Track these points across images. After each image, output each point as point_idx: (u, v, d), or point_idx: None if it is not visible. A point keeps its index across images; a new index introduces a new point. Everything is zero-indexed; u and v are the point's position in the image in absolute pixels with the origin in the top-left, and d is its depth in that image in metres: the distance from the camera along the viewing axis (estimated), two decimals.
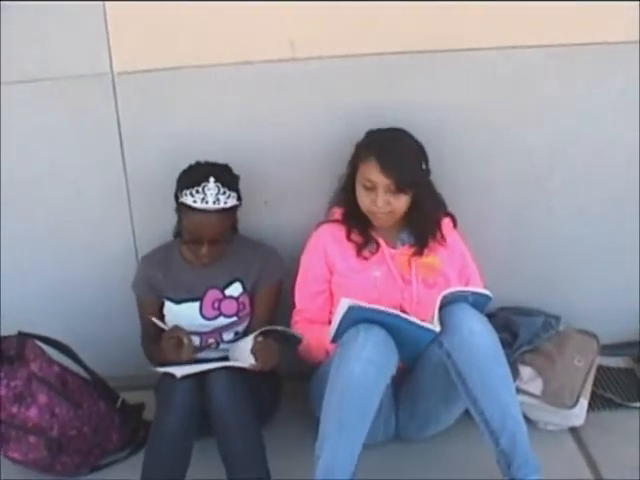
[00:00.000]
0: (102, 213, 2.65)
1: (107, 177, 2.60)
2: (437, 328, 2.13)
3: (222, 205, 2.31)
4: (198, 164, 2.39)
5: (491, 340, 2.13)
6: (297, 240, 2.52)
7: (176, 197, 2.37)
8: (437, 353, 2.16)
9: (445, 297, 2.15)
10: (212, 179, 2.30)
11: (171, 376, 2.19)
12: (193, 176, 2.34)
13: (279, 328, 2.29)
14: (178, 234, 2.49)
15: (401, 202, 2.32)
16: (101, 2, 2.38)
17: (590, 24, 2.44)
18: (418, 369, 2.27)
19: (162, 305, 2.50)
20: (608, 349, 2.71)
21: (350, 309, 2.11)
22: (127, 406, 2.52)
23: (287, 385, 2.61)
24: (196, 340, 2.47)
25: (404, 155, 2.30)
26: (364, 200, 2.34)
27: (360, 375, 2.06)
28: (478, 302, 2.18)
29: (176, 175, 2.40)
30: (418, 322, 2.14)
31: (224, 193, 2.31)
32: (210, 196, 2.30)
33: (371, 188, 2.30)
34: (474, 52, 2.46)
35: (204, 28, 2.42)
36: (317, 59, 2.46)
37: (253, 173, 2.48)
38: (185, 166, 2.40)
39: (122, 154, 2.56)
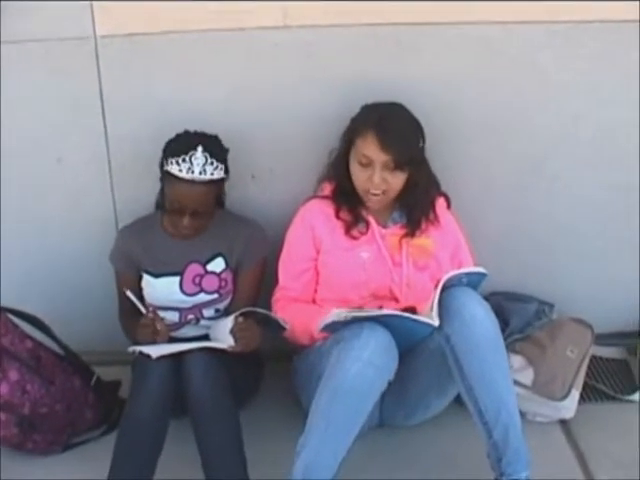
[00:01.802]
0: (83, 182, 2.53)
1: (88, 144, 2.49)
2: (436, 322, 2.02)
3: (208, 176, 2.22)
4: (187, 133, 2.29)
5: (493, 327, 2.05)
6: (284, 217, 2.42)
7: (161, 165, 2.27)
8: (435, 337, 2.07)
9: (443, 285, 2.05)
10: (200, 148, 2.21)
11: (147, 356, 2.10)
12: (180, 144, 2.24)
13: (263, 311, 2.20)
14: (160, 205, 2.39)
15: (398, 180, 2.22)
16: None
17: (593, 1, 2.33)
18: (412, 354, 2.17)
19: (141, 278, 2.40)
20: (602, 338, 2.63)
21: (339, 315, 2.04)
22: (102, 383, 2.44)
23: (269, 364, 2.53)
24: (175, 316, 2.39)
25: (404, 131, 2.20)
26: (359, 177, 2.24)
27: (356, 376, 1.97)
28: (473, 281, 2.10)
29: (160, 145, 2.30)
30: (416, 317, 2.04)
31: (211, 164, 2.22)
32: (197, 166, 2.20)
33: (367, 164, 2.20)
34: (475, 26, 2.35)
35: None
36: (311, 27, 2.35)
37: (240, 145, 2.38)
38: (170, 135, 2.29)
39: (104, 121, 2.45)
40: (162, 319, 2.23)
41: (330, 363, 2.03)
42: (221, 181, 2.29)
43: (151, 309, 2.25)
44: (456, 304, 2.04)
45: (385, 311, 2.06)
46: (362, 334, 2.00)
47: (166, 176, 2.24)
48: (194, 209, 2.24)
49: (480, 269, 2.10)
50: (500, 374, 2.02)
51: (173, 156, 2.21)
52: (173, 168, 2.21)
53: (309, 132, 2.45)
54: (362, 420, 2.00)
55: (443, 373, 2.10)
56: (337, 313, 2.04)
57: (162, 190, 2.32)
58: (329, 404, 1.98)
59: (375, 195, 2.23)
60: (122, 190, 2.56)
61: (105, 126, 2.46)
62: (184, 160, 2.20)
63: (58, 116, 2.45)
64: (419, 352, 2.15)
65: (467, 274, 2.09)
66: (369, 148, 2.19)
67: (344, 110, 2.31)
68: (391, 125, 2.19)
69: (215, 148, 2.26)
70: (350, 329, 2.03)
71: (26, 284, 2.62)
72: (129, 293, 2.27)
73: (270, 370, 2.53)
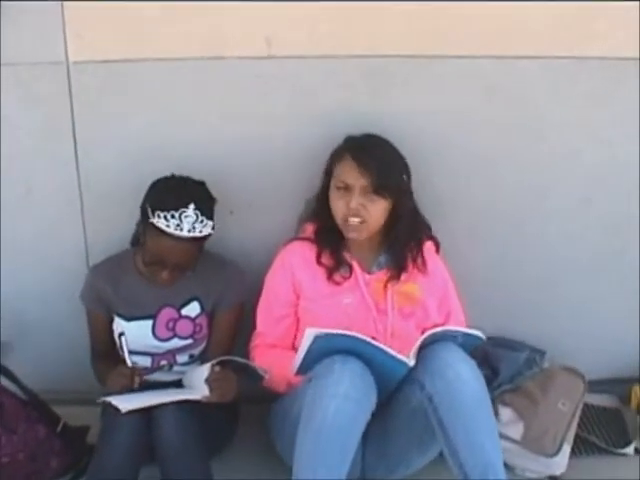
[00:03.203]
0: (52, 215, 2.40)
1: (58, 176, 2.36)
2: (411, 362, 1.95)
3: (197, 234, 2.09)
4: (174, 182, 2.15)
5: (478, 387, 1.93)
6: (264, 255, 2.30)
7: (143, 211, 2.13)
8: (417, 396, 1.96)
9: (434, 335, 1.96)
10: (192, 206, 2.07)
11: (116, 408, 1.97)
12: (170, 198, 2.09)
13: (241, 360, 2.09)
14: (136, 242, 2.25)
15: (377, 208, 2.11)
16: None
17: (590, 38, 2.24)
18: (393, 409, 2.07)
19: (112, 320, 2.28)
20: (594, 385, 2.51)
21: (316, 339, 1.92)
22: (70, 430, 2.29)
23: (243, 407, 2.40)
24: (147, 361, 2.28)
25: (382, 156, 2.12)
26: (337, 205, 2.13)
27: (336, 413, 1.87)
28: (468, 342, 2.00)
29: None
30: (391, 352, 1.95)
31: (201, 222, 2.09)
32: (186, 224, 2.07)
33: (345, 189, 2.10)
34: (469, 60, 2.25)
35: (171, 17, 2.17)
36: (295, 59, 2.23)
37: (219, 179, 2.25)
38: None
39: (75, 151, 2.32)
40: (141, 375, 2.12)
41: (306, 403, 1.93)
42: (208, 236, 2.15)
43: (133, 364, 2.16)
44: (439, 363, 1.94)
45: (359, 335, 1.94)
46: (334, 369, 1.91)
47: (150, 227, 2.09)
48: (176, 263, 2.12)
49: (479, 333, 2.01)
50: (487, 437, 1.90)
51: (161, 210, 2.07)
52: (160, 222, 2.06)
53: (292, 166, 2.34)
54: (351, 456, 1.90)
55: (426, 432, 1.99)
56: (308, 333, 1.93)
57: (141, 234, 2.17)
58: (314, 446, 1.88)
59: (354, 224, 2.11)
60: (94, 222, 2.42)
61: (76, 156, 2.33)
62: (173, 216, 2.06)
63: (27, 144, 2.32)
64: (401, 411, 2.05)
65: (464, 334, 2.00)
66: (346, 172, 2.10)
67: (328, 143, 2.21)
68: (369, 149, 2.12)
69: (206, 204, 2.13)
70: (322, 365, 1.94)
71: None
72: (123, 339, 2.19)
73: (245, 413, 2.41)
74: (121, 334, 2.20)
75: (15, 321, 2.49)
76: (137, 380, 2.09)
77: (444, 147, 2.33)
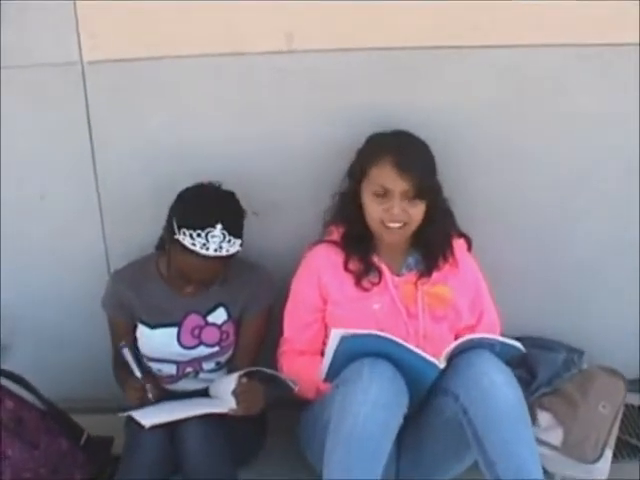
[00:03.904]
0: (70, 220, 2.34)
1: (75, 180, 2.29)
2: (442, 364, 1.88)
3: (224, 253, 2.00)
4: (202, 195, 2.04)
5: (515, 397, 1.84)
6: (290, 256, 2.22)
7: (169, 225, 2.03)
8: (451, 407, 1.88)
9: (470, 341, 1.89)
10: (219, 226, 1.97)
11: (139, 424, 1.91)
12: (197, 216, 1.99)
13: (269, 372, 2.02)
14: (161, 246, 2.16)
15: (418, 211, 2.02)
16: None
17: (625, 24, 2.11)
18: (427, 419, 1.99)
19: (136, 327, 2.20)
20: (634, 384, 2.43)
21: (343, 340, 1.85)
22: (93, 441, 2.23)
23: (272, 413, 2.30)
24: (172, 368, 2.21)
25: (422, 156, 2.03)
26: (375, 210, 2.03)
27: (366, 421, 1.79)
28: (504, 352, 1.92)
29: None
30: (421, 353, 1.87)
31: (229, 241, 1.99)
32: (213, 244, 1.97)
33: (384, 195, 2.00)
34: (497, 50, 2.13)
35: (188, 14, 2.09)
36: (316, 52, 2.14)
37: (241, 180, 2.16)
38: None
39: (92, 154, 2.26)
40: (155, 386, 2.06)
41: (335, 411, 1.86)
42: (236, 253, 2.06)
43: (143, 376, 2.08)
44: (473, 372, 1.85)
45: (387, 335, 1.87)
46: (363, 373, 1.83)
47: (175, 242, 2.00)
48: (201, 279, 2.05)
49: (517, 344, 1.93)
50: (525, 448, 1.81)
51: (187, 227, 1.97)
52: (185, 240, 1.97)
53: (315, 164, 2.25)
54: (383, 462, 1.82)
55: (461, 442, 1.90)
56: (334, 334, 1.86)
57: (168, 245, 2.07)
58: (345, 456, 1.80)
59: (394, 228, 2.02)
60: (113, 227, 2.36)
61: (93, 157, 2.26)
62: (199, 235, 1.96)
63: (42, 149, 2.25)
64: (435, 421, 1.97)
65: (502, 343, 1.91)
66: (386, 177, 1.99)
67: (352, 140, 2.12)
68: (409, 150, 2.02)
69: (234, 222, 2.03)
70: (350, 369, 1.86)
71: (11, 330, 2.41)
72: (125, 351, 2.09)
73: (273, 420, 2.32)
74: (122, 346, 2.11)
75: (32, 332, 2.44)
76: (151, 391, 2.03)
77: (473, 142, 2.22)
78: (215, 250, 1.97)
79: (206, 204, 2.02)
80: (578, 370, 2.30)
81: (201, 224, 1.96)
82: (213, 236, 1.97)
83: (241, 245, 2.05)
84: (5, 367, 2.16)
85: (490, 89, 2.18)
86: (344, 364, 1.89)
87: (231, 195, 2.08)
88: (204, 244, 1.96)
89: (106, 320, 2.25)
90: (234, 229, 2.01)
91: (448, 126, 2.17)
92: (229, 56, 2.15)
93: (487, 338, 1.91)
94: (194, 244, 1.96)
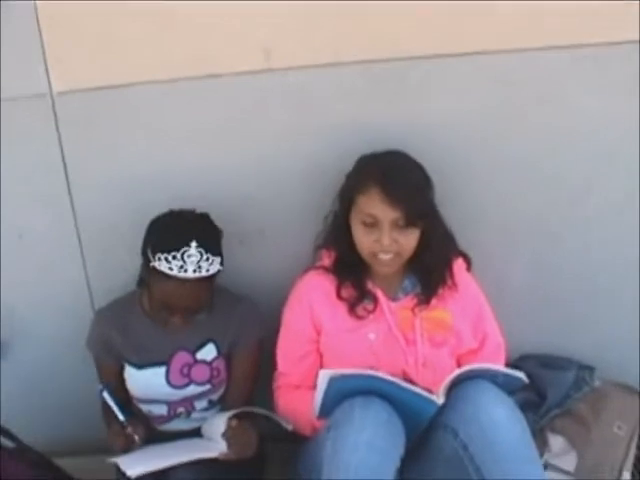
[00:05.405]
0: (50, 256, 2.25)
1: (53, 216, 2.20)
2: (440, 400, 1.76)
3: (204, 273, 1.90)
4: (172, 218, 1.97)
5: (517, 430, 1.73)
6: (279, 285, 2.11)
7: (144, 253, 1.95)
8: (451, 444, 1.77)
9: (471, 371, 1.78)
10: (194, 244, 1.88)
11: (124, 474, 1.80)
12: (169, 237, 1.91)
13: (262, 411, 1.92)
14: (142, 282, 2.08)
15: (410, 240, 1.90)
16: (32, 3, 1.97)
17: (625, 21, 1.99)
18: (428, 455, 1.87)
19: (123, 367, 2.10)
20: None
21: (332, 381, 1.75)
22: None
23: (270, 447, 2.18)
24: (163, 409, 2.10)
25: (412, 181, 1.89)
26: (364, 240, 1.91)
27: (359, 467, 1.67)
28: (507, 383, 1.81)
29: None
30: (417, 390, 1.76)
31: (207, 259, 1.90)
32: (190, 264, 1.88)
33: (373, 224, 1.88)
34: (490, 56, 2.01)
35: (158, 37, 2.00)
36: (298, 69, 2.03)
37: (224, 207, 2.07)
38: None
39: (68, 186, 2.17)
40: (142, 429, 1.95)
41: (326, 456, 1.73)
42: (217, 273, 1.96)
43: (128, 420, 1.96)
44: (472, 406, 1.75)
45: (379, 374, 1.76)
46: (354, 414, 1.72)
47: (152, 271, 1.91)
48: (186, 307, 1.95)
49: (521, 375, 1.83)
50: None
51: (161, 252, 1.88)
52: (161, 265, 1.88)
53: (302, 187, 2.15)
54: None
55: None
56: (322, 375, 1.76)
57: (147, 277, 1.99)
58: None
59: (385, 259, 1.91)
60: (94, 260, 2.27)
61: (70, 191, 2.18)
62: (175, 257, 1.87)
63: (15, 186, 2.17)
64: (436, 460, 1.85)
65: (506, 375, 1.81)
66: (374, 205, 1.87)
67: (341, 161, 2.01)
68: (397, 176, 1.88)
69: (210, 239, 1.94)
70: (341, 410, 1.75)
71: None
72: (105, 395, 1.99)
73: (272, 451, 2.20)
74: (101, 390, 2.01)
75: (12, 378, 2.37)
76: (137, 433, 1.93)
77: (469, 154, 2.11)
78: (194, 271, 1.88)
79: (178, 224, 1.95)
80: (590, 388, 2.18)
81: (175, 245, 1.88)
82: (190, 255, 1.88)
83: (221, 264, 1.95)
84: None
85: (482, 96, 2.06)
86: (337, 402, 1.78)
87: (204, 215, 2.00)
88: (181, 266, 1.87)
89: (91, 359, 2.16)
90: (211, 246, 1.93)
91: (439, 138, 2.06)
92: (204, 79, 2.05)
93: (490, 370, 1.80)
94: (171, 268, 1.87)
